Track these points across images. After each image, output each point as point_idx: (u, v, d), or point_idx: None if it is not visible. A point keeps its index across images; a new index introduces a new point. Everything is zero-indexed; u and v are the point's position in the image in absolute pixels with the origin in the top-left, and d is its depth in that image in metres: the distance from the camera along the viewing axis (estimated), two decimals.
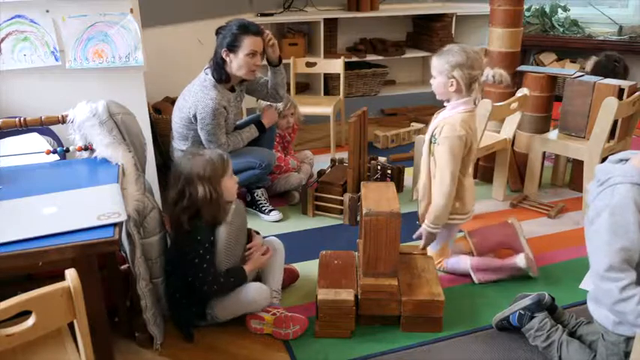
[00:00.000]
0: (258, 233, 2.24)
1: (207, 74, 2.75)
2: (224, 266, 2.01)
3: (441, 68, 2.18)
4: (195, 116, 2.71)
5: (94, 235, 1.39)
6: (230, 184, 2.06)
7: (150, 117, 2.93)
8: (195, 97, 2.71)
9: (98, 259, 1.55)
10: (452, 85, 2.17)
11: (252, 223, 2.66)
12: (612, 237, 1.60)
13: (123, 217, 1.47)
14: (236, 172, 2.83)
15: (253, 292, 2.04)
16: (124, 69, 2.50)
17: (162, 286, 2.04)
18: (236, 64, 2.70)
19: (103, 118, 1.93)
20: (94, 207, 1.51)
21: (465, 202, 2.31)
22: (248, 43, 2.66)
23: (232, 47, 2.67)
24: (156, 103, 3.46)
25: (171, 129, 2.91)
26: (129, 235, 1.83)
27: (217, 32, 2.74)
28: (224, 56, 2.69)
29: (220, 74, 2.72)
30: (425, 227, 2.29)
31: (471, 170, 2.33)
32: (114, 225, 1.43)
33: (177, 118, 2.81)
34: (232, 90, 2.87)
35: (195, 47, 3.67)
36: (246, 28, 2.67)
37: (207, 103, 2.67)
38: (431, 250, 2.42)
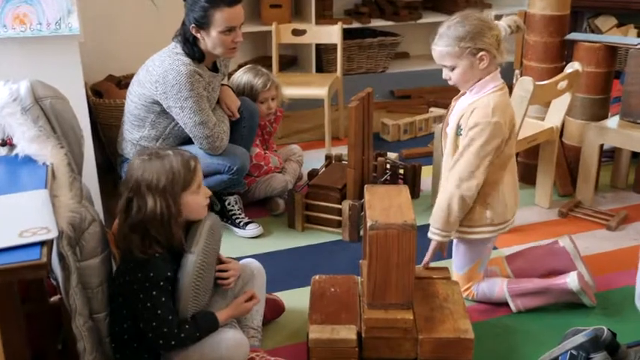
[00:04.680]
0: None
1: (177, 45, 2.76)
2: (189, 310, 1.97)
3: (459, 52, 2.18)
4: (164, 93, 2.69)
5: (14, 258, 1.37)
6: (195, 201, 1.98)
7: (88, 101, 2.92)
8: (162, 65, 2.72)
9: (20, 288, 1.54)
10: (482, 59, 2.18)
11: (223, 241, 2.64)
12: None
13: (53, 234, 1.46)
14: None
15: (227, 347, 1.98)
16: (53, 39, 2.49)
17: (105, 323, 2.02)
18: (210, 42, 2.71)
19: (26, 103, 1.91)
20: (14, 220, 1.50)
21: (501, 211, 2.31)
22: (221, 18, 2.67)
23: (202, 24, 2.68)
24: (96, 84, 3.45)
25: (122, 113, 2.90)
26: (61, 257, 1.82)
27: None
28: (194, 33, 2.70)
29: (193, 51, 2.74)
30: (429, 234, 2.32)
31: (513, 166, 2.33)
32: (41, 244, 1.42)
33: (136, 95, 2.81)
34: (215, 69, 2.88)
35: (147, 11, 3.65)
36: None
37: (180, 69, 2.68)
38: (456, 274, 2.43)
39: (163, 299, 1.91)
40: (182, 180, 1.95)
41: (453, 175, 2.25)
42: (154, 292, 1.91)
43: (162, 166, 1.93)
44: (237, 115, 2.94)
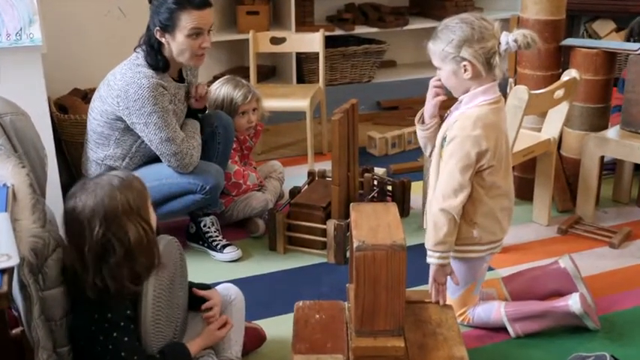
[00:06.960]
0: (208, 287, 2.19)
1: (138, 56, 2.77)
2: (153, 345, 1.93)
3: (443, 54, 2.20)
4: (127, 109, 2.69)
5: None
6: (153, 213, 1.95)
7: (52, 117, 2.91)
8: (124, 78, 2.71)
9: None
10: (465, 70, 2.20)
11: (199, 265, 2.65)
12: None
13: (14, 261, 1.46)
14: (170, 198, 2.83)
15: None
16: (14, 50, 2.50)
17: (70, 358, 2.00)
18: (175, 47, 2.72)
19: None
20: None
21: (490, 230, 2.32)
22: (188, 20, 2.67)
23: (166, 26, 2.68)
24: (60, 99, 3.44)
25: (86, 131, 2.89)
26: (23, 286, 1.81)
27: (150, 0, 2.74)
28: (158, 37, 2.70)
29: (156, 60, 2.74)
30: (428, 259, 2.28)
31: (504, 186, 2.33)
32: (1, 272, 1.42)
33: (98, 111, 2.81)
34: (180, 80, 2.88)
35: (115, 19, 3.67)
36: (185, 0, 2.68)
37: (142, 83, 2.68)
38: (449, 298, 2.43)
39: (126, 339, 1.87)
40: (144, 190, 1.92)
41: (437, 192, 2.26)
42: (115, 334, 1.86)
43: (119, 184, 1.86)
44: (200, 96, 2.97)
